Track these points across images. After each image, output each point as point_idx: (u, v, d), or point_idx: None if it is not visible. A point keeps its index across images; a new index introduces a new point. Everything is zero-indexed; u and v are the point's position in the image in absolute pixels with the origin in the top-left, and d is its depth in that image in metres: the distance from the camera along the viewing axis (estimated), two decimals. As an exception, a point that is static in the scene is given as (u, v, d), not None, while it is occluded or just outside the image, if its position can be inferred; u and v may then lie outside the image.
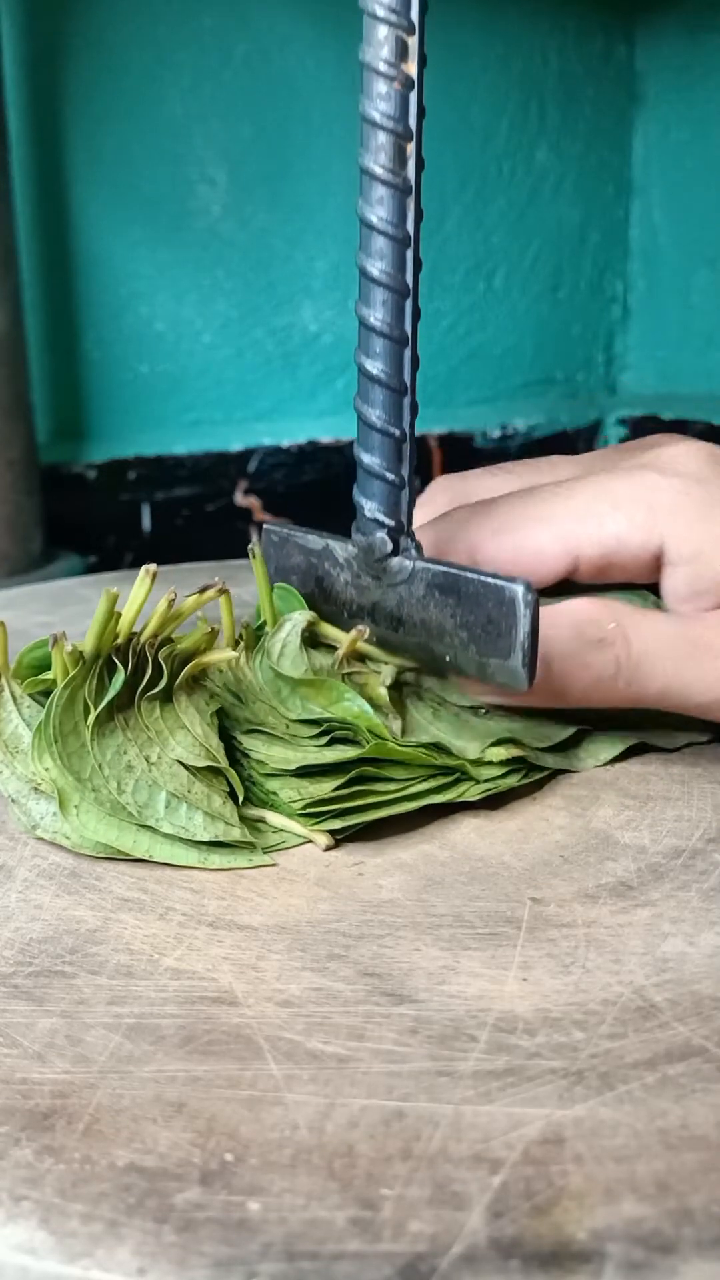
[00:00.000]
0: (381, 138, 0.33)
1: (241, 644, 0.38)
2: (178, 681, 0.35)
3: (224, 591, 0.37)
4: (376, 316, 0.35)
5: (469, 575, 0.34)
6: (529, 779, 0.37)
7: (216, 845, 0.33)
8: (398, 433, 0.35)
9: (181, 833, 0.33)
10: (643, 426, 0.99)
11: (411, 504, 0.36)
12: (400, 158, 0.33)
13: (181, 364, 0.85)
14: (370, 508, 0.36)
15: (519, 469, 0.43)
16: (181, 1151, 0.22)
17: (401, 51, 0.33)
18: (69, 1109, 0.24)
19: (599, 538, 0.38)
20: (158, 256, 0.82)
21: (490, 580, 0.34)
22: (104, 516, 0.83)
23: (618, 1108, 0.23)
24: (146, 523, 0.84)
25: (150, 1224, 0.21)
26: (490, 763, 0.36)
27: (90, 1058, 0.25)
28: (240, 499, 0.86)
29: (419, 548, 0.36)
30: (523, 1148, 0.22)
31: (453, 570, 0.35)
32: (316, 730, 0.36)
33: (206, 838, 0.33)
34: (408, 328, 0.35)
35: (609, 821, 0.35)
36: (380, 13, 0.33)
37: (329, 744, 0.36)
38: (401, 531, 0.36)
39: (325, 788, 0.34)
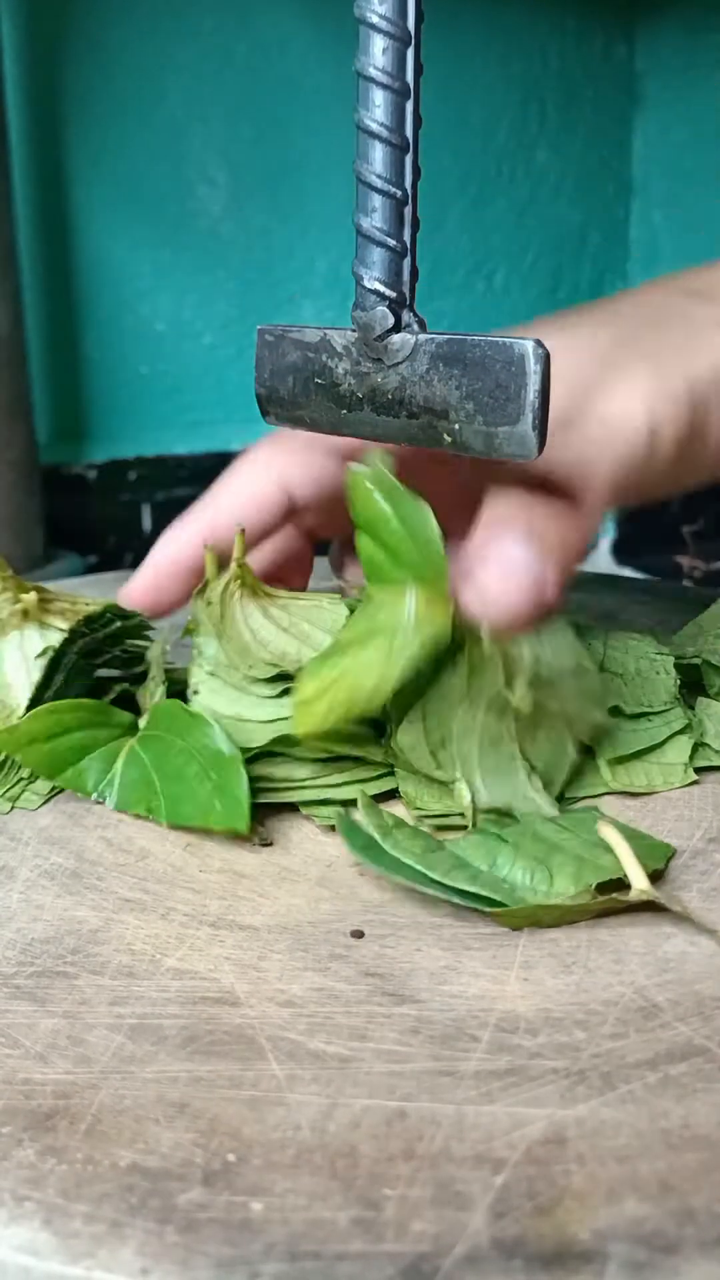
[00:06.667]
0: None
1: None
2: None
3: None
4: (376, 67, 0.32)
5: (475, 339, 0.33)
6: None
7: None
8: (399, 193, 0.32)
9: None
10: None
11: (414, 274, 0.33)
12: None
13: (182, 364, 0.85)
14: (369, 277, 0.33)
15: None
16: (184, 1152, 0.22)
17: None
18: (71, 1109, 0.24)
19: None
20: (158, 257, 0.82)
21: (498, 340, 0.32)
22: (104, 517, 0.83)
23: (620, 1108, 0.23)
24: (147, 523, 0.84)
25: (153, 1224, 0.21)
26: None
27: (92, 1058, 0.25)
28: (241, 499, 0.86)
29: (422, 322, 0.34)
30: (525, 1148, 0.22)
31: (458, 336, 0.33)
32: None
33: None
34: (409, 79, 0.32)
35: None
36: None
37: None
38: (404, 305, 0.33)
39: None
